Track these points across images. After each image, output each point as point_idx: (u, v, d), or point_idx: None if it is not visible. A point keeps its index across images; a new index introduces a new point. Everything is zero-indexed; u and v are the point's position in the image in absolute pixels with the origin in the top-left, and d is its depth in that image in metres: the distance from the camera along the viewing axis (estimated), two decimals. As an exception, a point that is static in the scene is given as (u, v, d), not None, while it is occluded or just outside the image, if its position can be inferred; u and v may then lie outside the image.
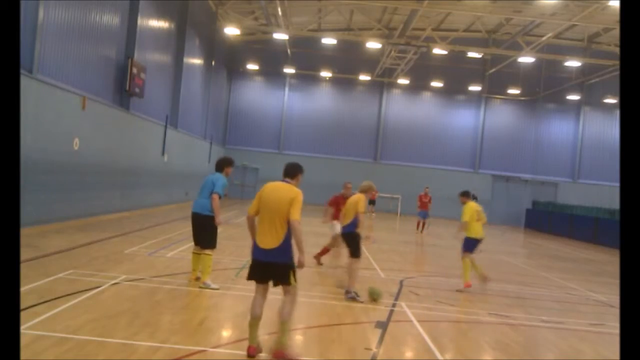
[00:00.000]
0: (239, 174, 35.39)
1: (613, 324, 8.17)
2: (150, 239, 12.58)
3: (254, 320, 5.24)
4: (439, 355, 5.82)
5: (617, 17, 23.51)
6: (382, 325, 6.74)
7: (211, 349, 5.29)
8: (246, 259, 10.88)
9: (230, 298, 7.67)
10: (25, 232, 10.88)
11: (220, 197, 7.77)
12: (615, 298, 10.36)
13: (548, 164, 36.26)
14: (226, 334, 6.03)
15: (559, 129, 36.48)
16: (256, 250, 5.25)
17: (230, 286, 8.35)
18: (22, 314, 5.62)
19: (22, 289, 6.67)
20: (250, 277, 5.33)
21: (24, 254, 8.87)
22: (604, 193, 34.16)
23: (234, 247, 12.46)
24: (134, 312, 6.27)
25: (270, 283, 5.31)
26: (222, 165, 8.14)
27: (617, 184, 30.30)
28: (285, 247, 5.18)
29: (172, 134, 22.53)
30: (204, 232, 7.86)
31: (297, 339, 6.04)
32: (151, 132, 20.08)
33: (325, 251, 11.29)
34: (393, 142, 36.15)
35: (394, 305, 8.04)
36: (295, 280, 5.23)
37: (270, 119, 35.94)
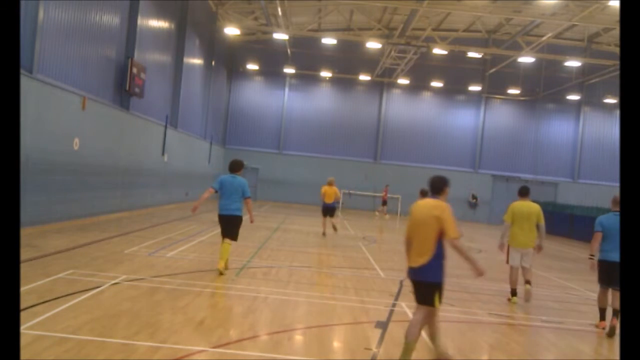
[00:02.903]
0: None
1: (613, 324, 8.15)
2: (150, 239, 12.57)
3: (410, 341, 5.12)
4: (439, 355, 5.81)
5: (617, 17, 23.51)
6: (382, 325, 6.73)
7: (211, 349, 5.29)
8: (246, 258, 10.89)
9: (230, 298, 7.68)
10: (25, 232, 10.89)
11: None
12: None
13: (548, 164, 36.25)
14: (226, 334, 6.02)
15: (559, 129, 36.48)
16: (408, 269, 5.30)
17: (231, 286, 8.35)
18: (22, 314, 5.62)
19: (22, 289, 6.66)
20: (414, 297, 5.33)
21: (24, 254, 8.87)
22: (604, 193, 34.15)
23: (235, 247, 12.41)
24: (134, 312, 6.26)
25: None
26: (240, 166, 9.33)
27: (617, 184, 30.27)
28: (432, 266, 5.07)
29: (172, 134, 22.53)
30: (236, 228, 9.20)
31: (297, 339, 6.04)
32: (151, 132, 20.08)
33: None
34: (393, 142, 36.15)
35: (394, 305, 8.03)
36: (439, 302, 5.11)
37: (270, 119, 35.94)
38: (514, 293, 9.09)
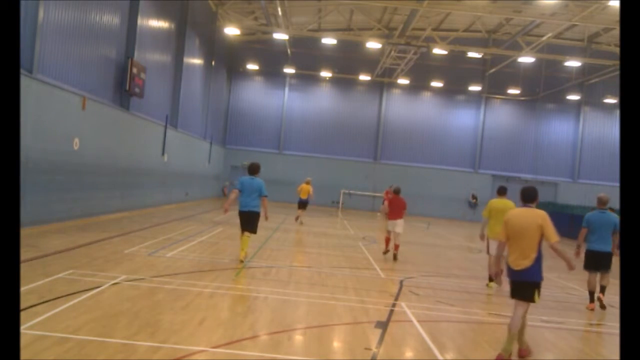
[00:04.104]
0: (239, 174, 35.37)
1: (613, 324, 8.17)
2: (150, 239, 12.57)
3: (513, 335, 5.88)
4: (439, 355, 5.82)
5: (617, 17, 23.51)
6: (382, 325, 6.74)
7: (211, 349, 5.29)
8: (246, 258, 10.88)
9: (230, 298, 7.68)
10: (25, 232, 10.88)
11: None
12: (615, 298, 10.35)
13: (548, 164, 36.25)
14: (226, 334, 6.02)
15: (559, 129, 36.48)
16: (509, 271, 5.94)
17: (231, 286, 8.35)
18: (22, 314, 5.62)
19: (22, 289, 6.66)
20: (512, 295, 6.04)
21: (24, 254, 8.87)
22: (604, 193, 34.11)
23: (234, 247, 12.45)
24: (134, 312, 6.26)
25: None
26: (258, 169, 10.58)
27: (617, 184, 30.25)
28: (535, 268, 5.78)
29: (172, 134, 22.53)
30: (254, 223, 10.33)
31: (297, 339, 6.04)
32: (151, 132, 20.08)
33: (387, 241, 13.68)
34: (393, 142, 36.15)
35: (394, 305, 8.03)
36: (538, 298, 5.88)
37: (270, 119, 35.93)
38: (491, 279, 10.40)
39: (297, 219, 20.80)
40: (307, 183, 20.77)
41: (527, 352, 6.00)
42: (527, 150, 36.34)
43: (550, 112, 36.49)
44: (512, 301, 9.50)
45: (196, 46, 26.00)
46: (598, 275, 9.17)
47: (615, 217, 9.18)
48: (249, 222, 10.32)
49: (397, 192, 13.56)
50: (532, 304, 6.02)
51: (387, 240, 13.60)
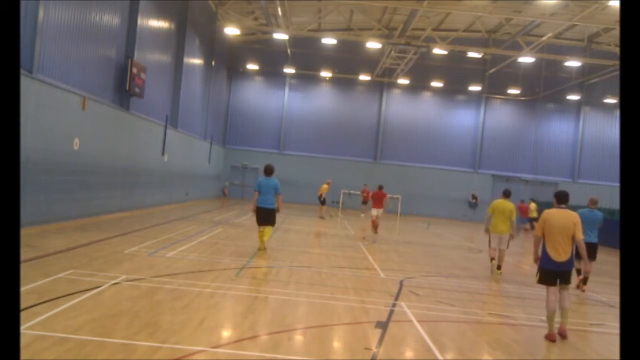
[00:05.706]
0: (239, 174, 35.41)
1: (613, 324, 8.17)
2: (150, 239, 12.57)
3: (552, 314, 6.91)
4: (439, 355, 5.81)
5: (617, 17, 23.51)
6: (382, 325, 6.73)
7: (211, 349, 5.29)
8: (246, 258, 10.89)
9: (230, 298, 7.67)
10: (25, 232, 10.88)
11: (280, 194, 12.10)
12: (615, 298, 10.35)
13: (548, 164, 36.25)
14: (226, 334, 6.03)
15: (559, 129, 36.48)
16: (550, 261, 7.01)
17: (231, 286, 8.35)
18: (22, 314, 5.62)
19: (22, 289, 6.66)
20: (542, 281, 7.11)
21: (24, 254, 8.87)
22: (604, 193, 34.13)
23: (234, 247, 12.46)
24: (134, 312, 6.26)
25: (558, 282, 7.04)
26: (272, 170, 12.03)
27: (617, 184, 30.27)
28: (571, 259, 7.03)
29: (172, 134, 22.53)
30: (271, 217, 11.94)
31: (297, 339, 6.04)
32: (151, 132, 20.08)
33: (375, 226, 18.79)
34: (393, 142, 36.15)
35: (394, 305, 8.03)
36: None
37: (270, 119, 35.94)
38: (499, 267, 12.08)
39: (322, 217, 25.05)
40: (327, 184, 26.12)
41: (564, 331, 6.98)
42: (527, 150, 36.34)
43: (550, 112, 36.50)
44: (512, 302, 9.63)
45: (196, 46, 26.00)
46: (582, 262, 10.48)
47: (601, 215, 10.98)
48: (266, 216, 11.83)
49: (380, 188, 18.85)
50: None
51: (375, 224, 18.61)
